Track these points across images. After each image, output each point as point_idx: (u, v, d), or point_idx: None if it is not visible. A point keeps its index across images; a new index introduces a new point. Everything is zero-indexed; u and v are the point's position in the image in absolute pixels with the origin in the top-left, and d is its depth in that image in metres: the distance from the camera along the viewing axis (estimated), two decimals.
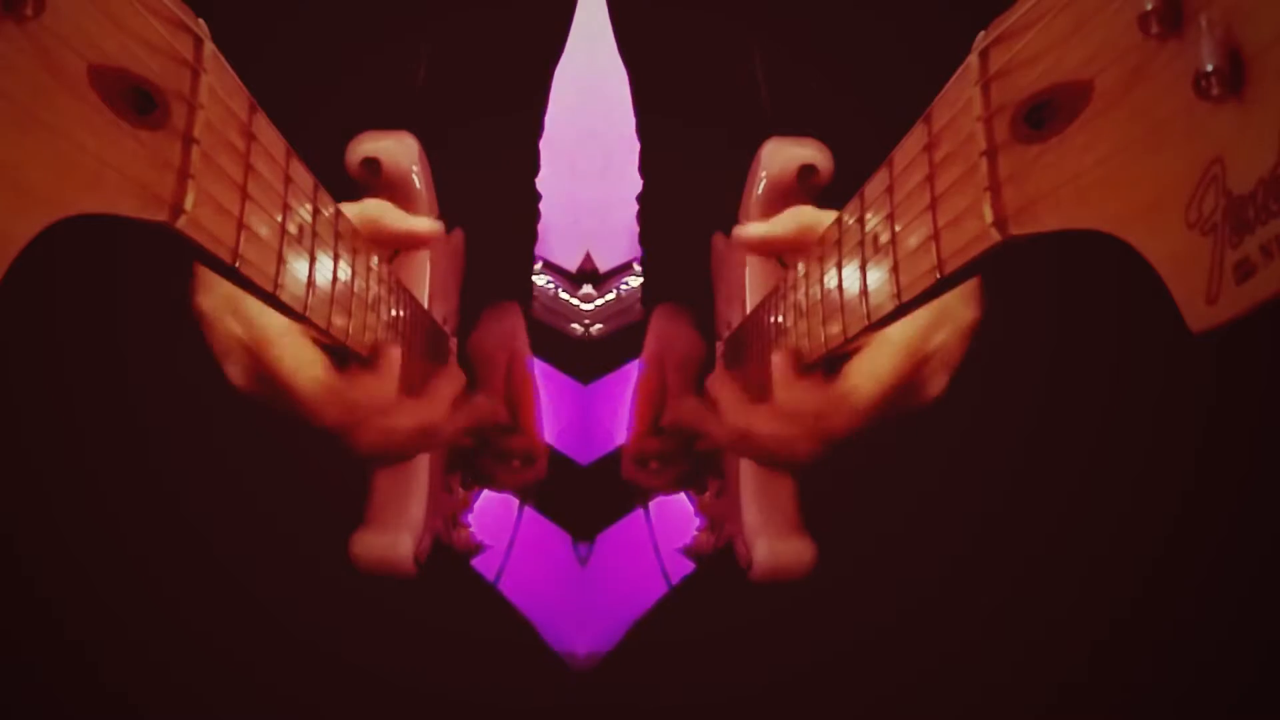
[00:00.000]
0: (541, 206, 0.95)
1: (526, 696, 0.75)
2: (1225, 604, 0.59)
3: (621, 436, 0.93)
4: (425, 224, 0.71)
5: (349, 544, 0.71)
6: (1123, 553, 0.62)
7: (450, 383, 0.68)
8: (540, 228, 0.96)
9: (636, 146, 0.94)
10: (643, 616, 0.85)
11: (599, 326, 1.56)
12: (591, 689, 0.88)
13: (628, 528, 1.46)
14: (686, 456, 0.87)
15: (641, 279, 1.18)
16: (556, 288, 1.58)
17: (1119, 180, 0.28)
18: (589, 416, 1.49)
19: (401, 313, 0.66)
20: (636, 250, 0.99)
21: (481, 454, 0.84)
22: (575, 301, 1.59)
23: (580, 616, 1.38)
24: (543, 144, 0.93)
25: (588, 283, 1.60)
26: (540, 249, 1.00)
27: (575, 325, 1.56)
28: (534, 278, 1.55)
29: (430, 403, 0.64)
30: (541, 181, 0.94)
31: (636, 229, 0.96)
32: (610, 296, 1.59)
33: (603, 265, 1.61)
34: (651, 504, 1.08)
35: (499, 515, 0.96)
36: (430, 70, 0.77)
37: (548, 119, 0.91)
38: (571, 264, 1.61)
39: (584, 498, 1.44)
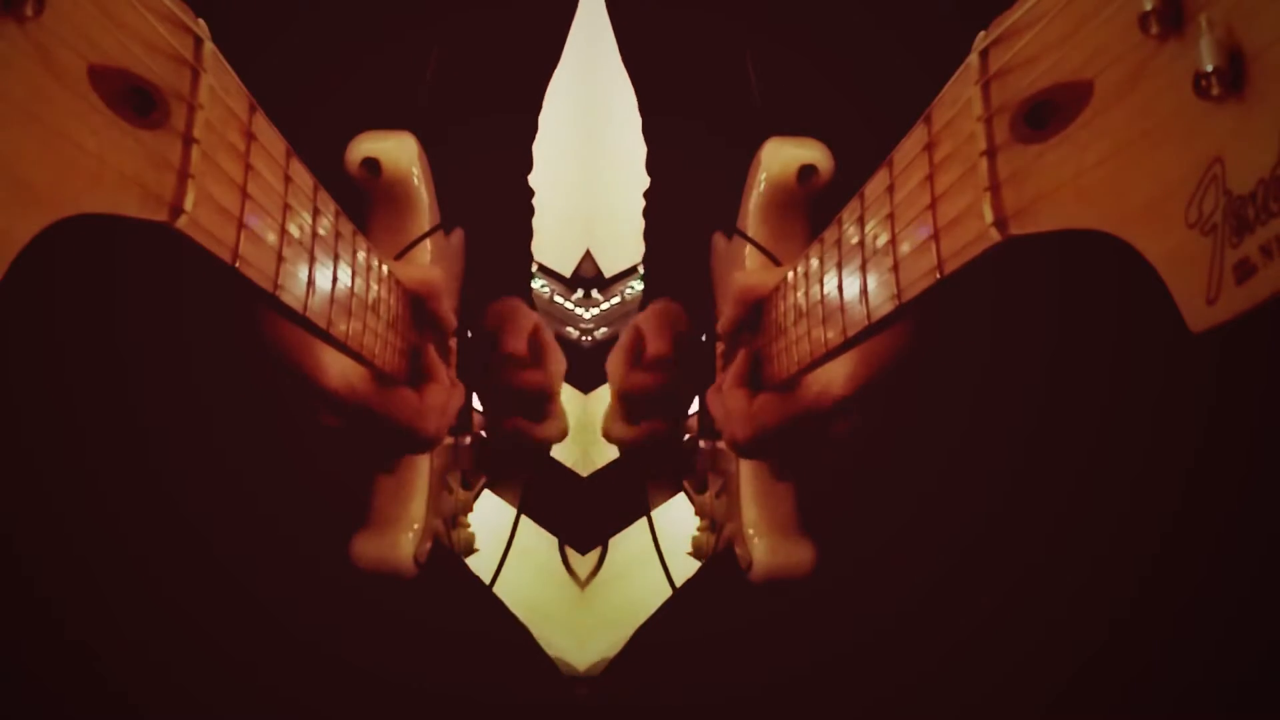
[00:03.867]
0: (535, 203, 0.95)
1: (526, 697, 0.75)
2: (1225, 604, 0.59)
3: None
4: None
5: (350, 544, 0.71)
6: (1123, 553, 0.62)
7: (447, 366, 0.72)
8: (535, 224, 0.96)
9: (643, 148, 0.94)
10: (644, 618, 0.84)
11: (604, 331, 1.55)
12: (591, 689, 0.88)
13: (631, 538, 1.45)
14: (674, 396, 0.87)
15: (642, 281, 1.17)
16: (553, 293, 1.58)
17: (1119, 180, 0.28)
18: (589, 425, 1.49)
19: (400, 312, 0.66)
20: (640, 249, 0.99)
21: (495, 394, 0.84)
22: (572, 306, 1.58)
23: (579, 633, 1.37)
24: (536, 144, 0.93)
25: (584, 287, 1.59)
26: (538, 249, 0.99)
27: (571, 330, 1.55)
28: (532, 278, 1.54)
29: (448, 387, 0.70)
30: (534, 179, 0.94)
31: (640, 225, 0.96)
32: (615, 301, 1.58)
33: (607, 269, 1.60)
34: (655, 511, 1.07)
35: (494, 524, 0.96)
36: (435, 69, 0.77)
37: (542, 120, 0.92)
38: (568, 268, 1.61)
39: (584, 509, 1.44)
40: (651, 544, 1.03)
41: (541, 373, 0.83)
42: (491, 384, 0.83)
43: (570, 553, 1.46)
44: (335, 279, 0.51)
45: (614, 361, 0.87)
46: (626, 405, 0.87)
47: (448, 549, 0.82)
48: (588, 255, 1.61)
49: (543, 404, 0.84)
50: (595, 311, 1.58)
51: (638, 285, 1.56)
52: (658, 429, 0.88)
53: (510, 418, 0.84)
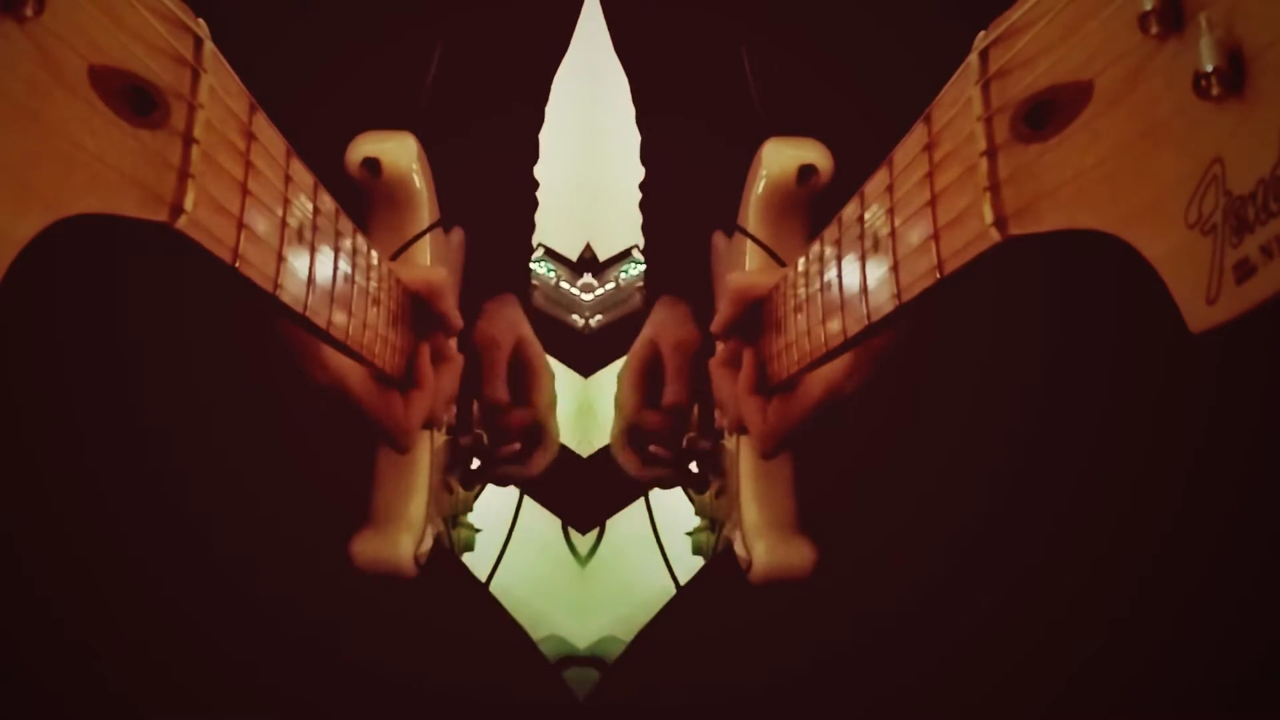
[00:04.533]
0: (539, 195, 0.95)
1: (526, 696, 0.75)
2: (1225, 604, 0.59)
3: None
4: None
5: (350, 544, 0.71)
6: (1123, 553, 0.62)
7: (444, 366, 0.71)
8: (537, 219, 0.96)
9: (637, 137, 0.94)
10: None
11: (599, 318, 1.56)
12: (591, 689, 0.88)
13: (629, 519, 1.46)
14: (682, 439, 0.87)
15: (641, 269, 1.16)
16: (558, 278, 1.59)
17: (1119, 180, 0.28)
18: (589, 408, 1.49)
19: (401, 311, 0.66)
20: (637, 238, 0.99)
21: (484, 439, 0.84)
22: (577, 292, 1.59)
23: (580, 611, 1.38)
24: (542, 135, 0.93)
25: (588, 272, 1.60)
26: (539, 239, 0.99)
27: (576, 316, 1.56)
28: (534, 269, 1.55)
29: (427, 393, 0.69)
30: (539, 170, 0.94)
31: (639, 217, 0.96)
32: (610, 286, 1.59)
33: (602, 253, 1.61)
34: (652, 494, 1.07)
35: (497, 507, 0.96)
36: (437, 68, 0.77)
37: (549, 111, 0.92)
38: (573, 253, 1.61)
39: (584, 489, 1.45)
40: (649, 523, 1.04)
41: (528, 410, 0.84)
42: (483, 424, 0.84)
43: (571, 530, 1.48)
44: (335, 279, 0.51)
45: (627, 388, 0.87)
46: (635, 438, 0.87)
47: (448, 549, 0.82)
48: (589, 244, 1.62)
49: (534, 438, 0.85)
50: (593, 296, 1.60)
51: (634, 268, 1.57)
52: (665, 475, 0.88)
53: (500, 465, 0.84)
